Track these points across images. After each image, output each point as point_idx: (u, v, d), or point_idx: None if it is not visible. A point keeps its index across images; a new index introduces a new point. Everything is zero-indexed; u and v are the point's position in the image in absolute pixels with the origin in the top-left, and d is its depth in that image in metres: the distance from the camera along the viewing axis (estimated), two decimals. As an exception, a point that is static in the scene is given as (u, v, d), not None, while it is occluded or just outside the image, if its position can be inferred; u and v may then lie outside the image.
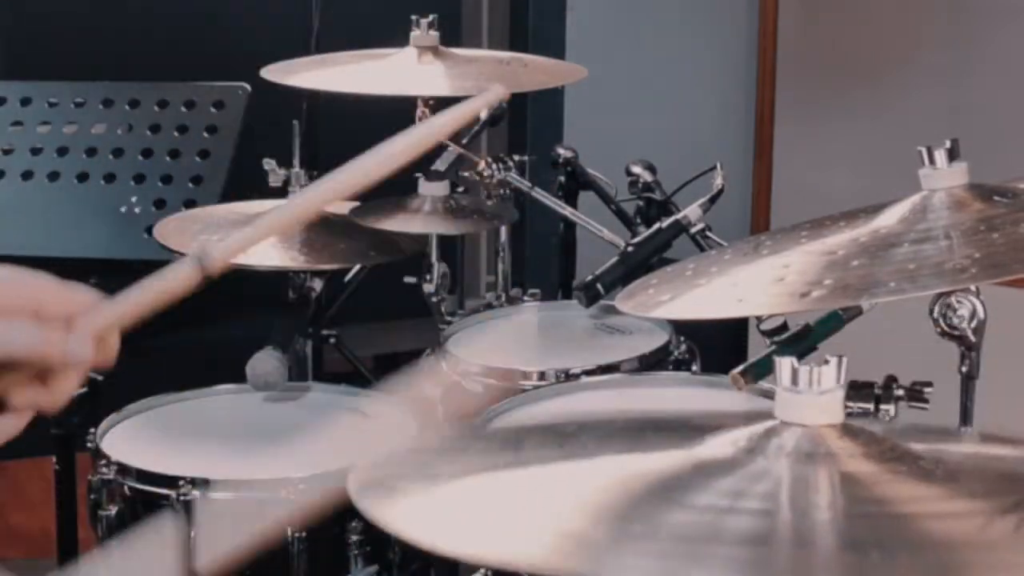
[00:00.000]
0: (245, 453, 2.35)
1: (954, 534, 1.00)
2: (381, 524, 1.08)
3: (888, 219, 1.45)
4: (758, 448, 1.11)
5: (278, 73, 2.54)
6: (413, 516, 1.10)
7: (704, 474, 1.09)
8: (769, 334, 1.94)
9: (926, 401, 1.79)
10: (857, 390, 1.78)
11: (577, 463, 1.18)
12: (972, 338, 1.68)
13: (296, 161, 2.59)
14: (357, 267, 2.76)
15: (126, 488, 2.28)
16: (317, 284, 2.62)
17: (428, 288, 2.67)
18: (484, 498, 1.13)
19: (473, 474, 1.18)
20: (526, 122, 4.31)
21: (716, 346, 2.64)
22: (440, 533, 1.07)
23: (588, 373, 2.39)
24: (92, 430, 2.39)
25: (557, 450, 1.21)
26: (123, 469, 2.28)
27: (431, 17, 2.56)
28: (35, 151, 2.72)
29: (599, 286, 2.40)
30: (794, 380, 1.12)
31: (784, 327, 1.93)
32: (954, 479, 1.09)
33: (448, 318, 2.67)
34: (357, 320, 3.66)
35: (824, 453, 1.10)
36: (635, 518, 1.04)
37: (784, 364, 1.12)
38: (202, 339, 4.21)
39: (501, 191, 2.70)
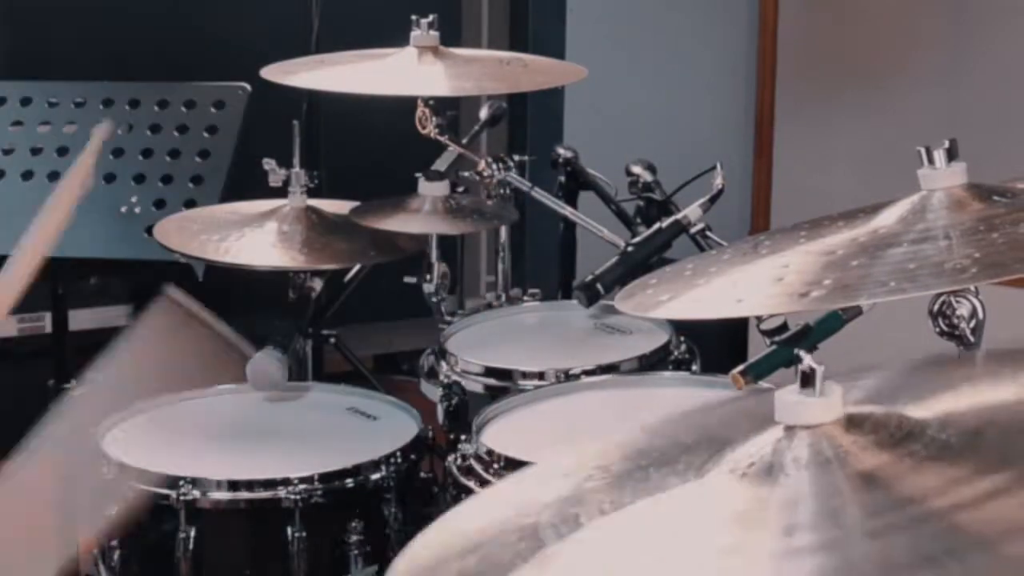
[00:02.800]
0: (245, 453, 2.36)
1: (999, 520, 0.98)
2: None
3: (887, 219, 1.45)
4: (773, 466, 1.09)
5: (278, 73, 2.54)
6: None
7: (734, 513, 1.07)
8: (769, 334, 1.94)
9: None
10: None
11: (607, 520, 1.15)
12: (971, 338, 1.68)
13: (296, 161, 2.59)
14: (357, 267, 2.76)
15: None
16: (317, 284, 2.62)
17: (428, 288, 2.67)
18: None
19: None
20: (526, 122, 4.31)
21: (716, 346, 2.64)
22: None
23: (588, 373, 2.39)
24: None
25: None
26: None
27: (431, 17, 2.56)
28: (35, 151, 2.72)
29: (599, 286, 2.40)
30: (806, 383, 1.12)
31: (784, 327, 1.93)
32: (973, 447, 1.07)
33: (448, 318, 2.67)
34: (357, 320, 3.66)
35: (834, 454, 1.09)
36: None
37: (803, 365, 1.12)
38: (202, 339, 4.21)
39: (501, 191, 2.70)
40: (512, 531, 1.11)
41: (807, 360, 1.12)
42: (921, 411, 1.13)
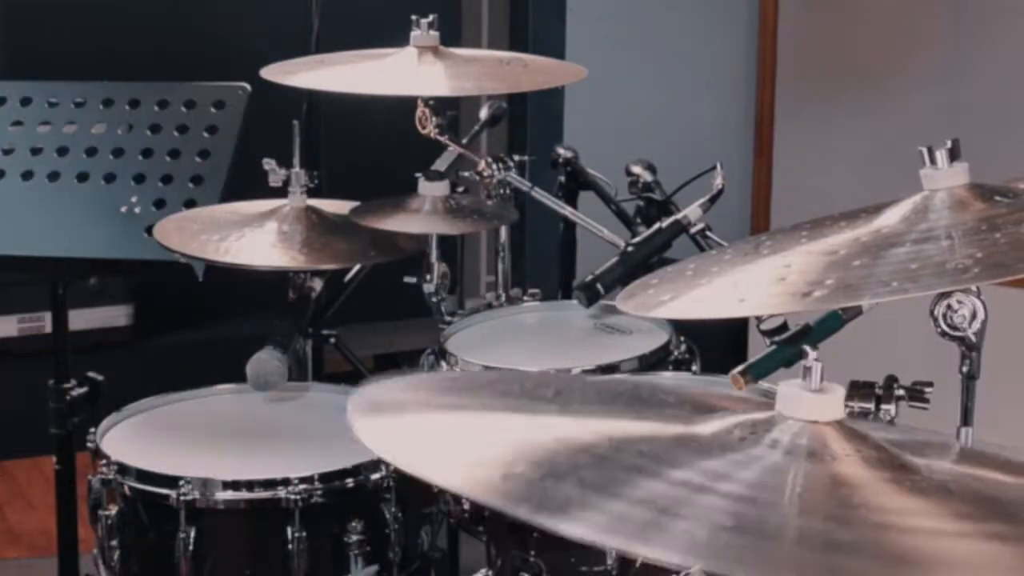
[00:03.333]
0: (245, 453, 2.35)
1: (919, 549, 1.00)
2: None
3: (889, 219, 1.45)
4: (753, 437, 1.12)
5: (278, 73, 2.53)
6: (390, 435, 1.15)
7: (691, 451, 1.10)
8: (769, 334, 1.93)
9: (927, 401, 1.78)
10: (858, 390, 1.77)
11: (567, 418, 1.20)
12: (973, 338, 1.68)
13: (296, 161, 2.58)
14: (357, 267, 2.76)
15: (126, 488, 2.28)
16: (317, 284, 2.62)
17: (428, 288, 2.67)
18: (458, 431, 1.19)
19: (470, 410, 1.22)
20: (526, 122, 4.31)
21: (716, 346, 2.64)
22: (414, 455, 1.13)
23: (588, 373, 2.38)
24: (92, 430, 2.39)
25: (555, 403, 1.24)
26: (123, 469, 2.28)
27: (431, 17, 2.55)
28: (35, 151, 2.72)
29: (599, 286, 2.40)
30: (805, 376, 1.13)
31: (784, 327, 1.92)
32: (940, 496, 1.09)
33: (448, 318, 2.67)
34: (357, 320, 3.66)
35: (816, 451, 1.10)
36: (597, 475, 1.06)
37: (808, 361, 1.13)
38: (202, 339, 4.22)
39: (501, 191, 2.70)
40: None
41: (812, 357, 1.13)
42: (915, 459, 1.15)
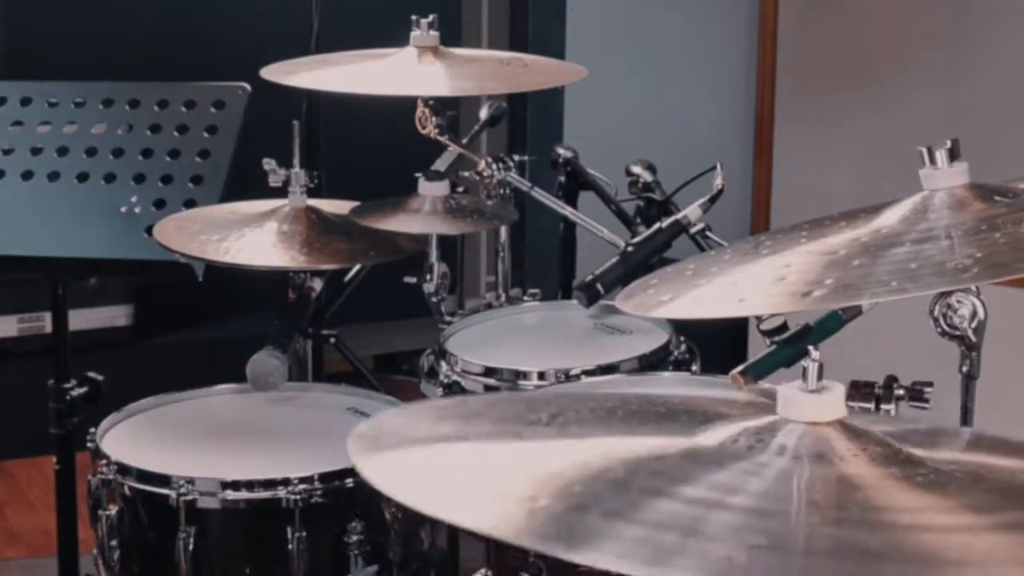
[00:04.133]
0: (245, 453, 2.35)
1: (943, 549, 1.00)
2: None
3: (889, 219, 1.45)
4: (758, 444, 1.11)
5: (278, 73, 2.53)
6: (400, 474, 1.13)
7: (698, 465, 1.10)
8: (769, 334, 1.93)
9: (927, 401, 1.78)
10: (858, 390, 1.77)
11: (570, 441, 1.19)
12: (972, 338, 1.68)
13: (296, 161, 2.58)
14: (357, 267, 2.76)
15: (126, 488, 2.28)
16: (317, 284, 2.62)
17: (428, 288, 2.67)
18: (469, 464, 1.16)
19: (471, 440, 1.20)
20: (526, 122, 4.31)
21: (716, 346, 2.64)
22: (433, 497, 1.10)
23: (588, 373, 2.38)
24: (92, 430, 2.39)
25: (552, 426, 1.23)
26: (123, 469, 2.28)
27: (431, 17, 2.55)
28: (35, 151, 2.72)
29: (599, 286, 2.40)
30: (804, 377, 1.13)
31: (784, 327, 1.92)
32: (950, 488, 1.09)
33: (448, 318, 2.67)
34: (357, 320, 3.66)
35: (822, 453, 1.10)
36: (618, 502, 1.05)
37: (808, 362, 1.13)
38: (202, 339, 4.22)
39: (501, 191, 2.70)
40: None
41: (815, 357, 1.13)
42: (920, 451, 1.14)
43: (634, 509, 1.04)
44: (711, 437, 1.15)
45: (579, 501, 1.06)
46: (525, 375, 2.41)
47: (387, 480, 1.13)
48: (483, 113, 2.88)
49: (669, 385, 2.36)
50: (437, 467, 1.16)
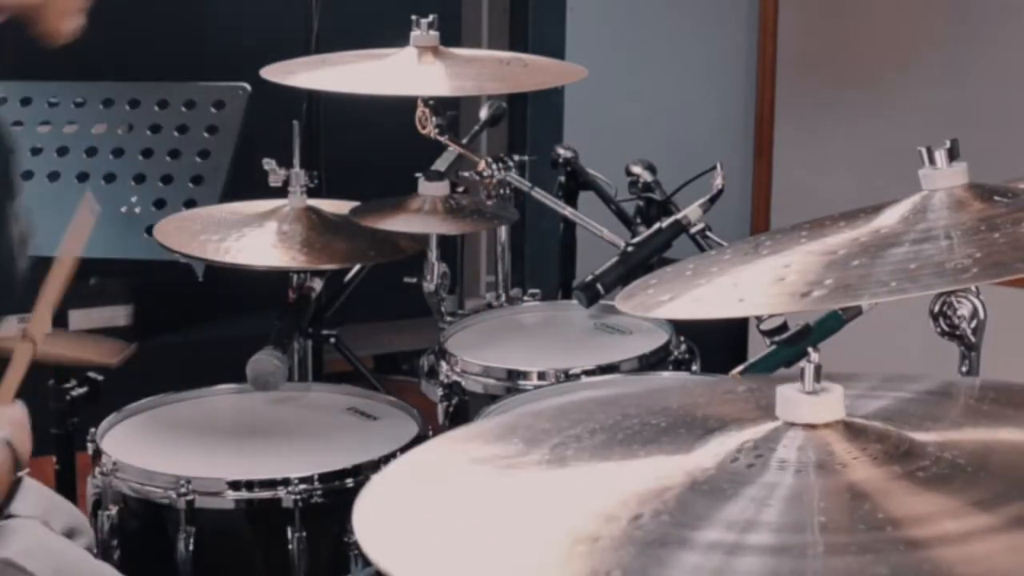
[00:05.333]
0: (245, 453, 2.35)
1: (956, 563, 0.98)
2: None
3: (888, 219, 1.44)
4: (758, 461, 1.10)
5: (278, 73, 2.54)
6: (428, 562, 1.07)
7: (705, 499, 1.07)
8: (769, 334, 1.94)
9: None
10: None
11: (572, 472, 1.16)
12: (972, 338, 1.68)
13: (296, 161, 2.58)
14: (357, 267, 2.76)
15: (126, 488, 2.28)
16: (317, 284, 2.62)
17: (428, 288, 2.67)
18: (492, 532, 1.10)
19: (474, 497, 1.15)
20: (526, 122, 4.31)
21: (716, 346, 2.64)
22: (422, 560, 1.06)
23: (588, 373, 2.38)
24: (92, 430, 2.39)
25: (552, 456, 1.19)
26: (123, 469, 2.28)
27: (431, 17, 2.55)
28: (35, 151, 2.72)
29: (599, 286, 2.40)
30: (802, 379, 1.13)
31: (784, 327, 1.93)
32: (955, 483, 1.08)
33: (448, 318, 2.67)
34: (357, 320, 3.66)
35: (824, 462, 1.09)
36: (648, 560, 1.01)
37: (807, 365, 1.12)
38: (202, 339, 4.21)
39: (501, 191, 2.70)
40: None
41: (814, 359, 1.12)
42: (924, 436, 1.14)
43: (657, 566, 0.99)
44: (710, 455, 1.13)
45: (603, 568, 1.00)
46: (525, 375, 2.42)
47: (406, 568, 1.04)
48: (483, 113, 2.88)
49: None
50: (451, 542, 1.08)
